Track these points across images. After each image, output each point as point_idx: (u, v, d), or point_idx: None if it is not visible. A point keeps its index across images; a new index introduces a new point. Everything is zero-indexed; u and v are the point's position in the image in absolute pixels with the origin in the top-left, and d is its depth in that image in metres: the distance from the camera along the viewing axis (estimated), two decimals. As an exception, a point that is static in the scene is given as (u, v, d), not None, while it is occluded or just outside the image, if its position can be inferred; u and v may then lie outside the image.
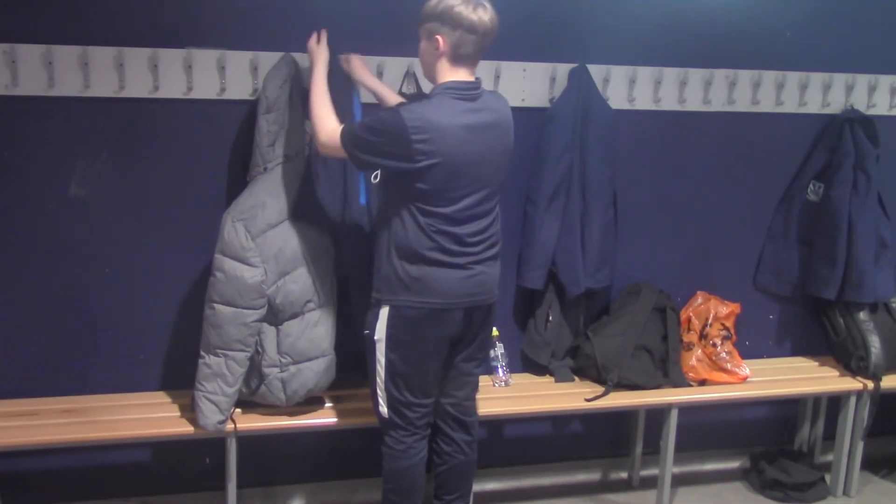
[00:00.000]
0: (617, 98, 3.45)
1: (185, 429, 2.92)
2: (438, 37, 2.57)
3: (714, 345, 3.55)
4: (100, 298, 3.11)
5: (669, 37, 3.47)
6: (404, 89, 3.18)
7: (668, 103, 3.52)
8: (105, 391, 3.14)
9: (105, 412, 3.00)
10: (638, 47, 3.44)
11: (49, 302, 3.07)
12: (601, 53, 3.39)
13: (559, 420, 3.71)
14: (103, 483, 3.25)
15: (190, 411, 2.94)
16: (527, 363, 3.54)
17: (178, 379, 3.14)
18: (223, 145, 3.11)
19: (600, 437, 3.78)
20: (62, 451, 3.10)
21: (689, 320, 3.61)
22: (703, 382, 3.50)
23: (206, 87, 3.03)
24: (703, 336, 3.58)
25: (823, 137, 3.68)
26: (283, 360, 2.91)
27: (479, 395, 2.94)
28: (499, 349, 3.40)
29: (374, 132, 2.55)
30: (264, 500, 3.38)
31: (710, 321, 3.59)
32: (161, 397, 3.15)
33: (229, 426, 2.92)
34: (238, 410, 2.99)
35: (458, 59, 2.59)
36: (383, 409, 2.75)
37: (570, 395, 3.34)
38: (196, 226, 3.09)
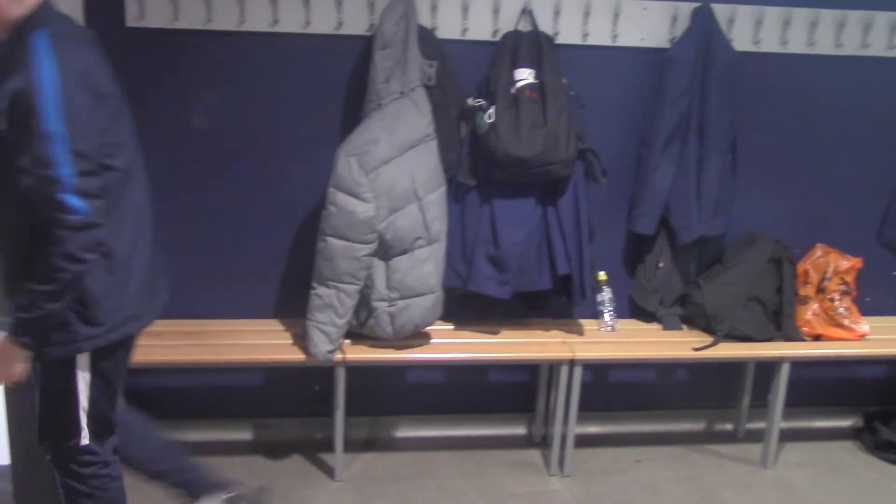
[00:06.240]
0: (741, 39, 3.31)
1: (297, 356, 3.03)
2: None
3: (832, 299, 3.43)
4: (219, 228, 3.22)
5: (801, -26, 3.31)
6: (519, 27, 3.14)
7: (797, 46, 3.36)
8: (223, 316, 3.28)
9: (223, 336, 3.14)
10: (767, -15, 3.29)
11: (172, 230, 3.18)
12: (727, -8, 3.26)
13: (664, 368, 3.67)
14: (219, 403, 3.42)
15: (302, 340, 3.05)
16: (634, 309, 3.51)
17: (292, 308, 3.24)
18: (339, 80, 3.14)
19: (706, 387, 3.72)
20: (182, 370, 3.26)
21: (806, 273, 3.49)
22: (817, 338, 3.40)
23: (323, 22, 3.06)
24: (820, 290, 3.46)
25: (965, 85, 3.46)
26: (391, 294, 2.97)
27: (584, 339, 2.90)
28: (606, 294, 3.37)
29: None
30: (370, 428, 3.49)
31: (828, 275, 3.46)
32: (275, 325, 3.27)
33: (338, 356, 3.01)
34: (347, 341, 3.07)
35: None
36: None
37: (678, 344, 3.30)
38: (311, 160, 3.15)
